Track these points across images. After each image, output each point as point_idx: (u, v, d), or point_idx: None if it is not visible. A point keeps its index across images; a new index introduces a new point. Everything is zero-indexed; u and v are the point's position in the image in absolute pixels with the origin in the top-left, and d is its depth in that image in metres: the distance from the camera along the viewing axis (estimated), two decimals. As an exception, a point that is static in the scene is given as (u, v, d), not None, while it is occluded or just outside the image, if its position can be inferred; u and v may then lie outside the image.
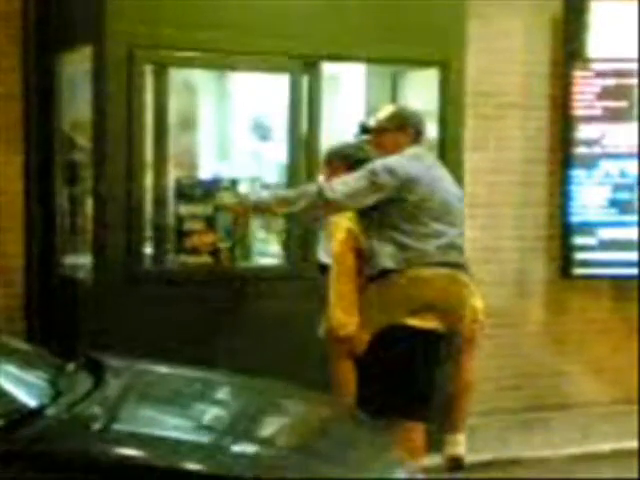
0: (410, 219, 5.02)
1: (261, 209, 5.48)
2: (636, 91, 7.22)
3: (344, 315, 5.03)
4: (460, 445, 5.48)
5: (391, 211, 5.04)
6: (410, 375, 4.98)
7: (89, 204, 6.08)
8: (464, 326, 5.18)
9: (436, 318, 5.01)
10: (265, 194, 5.88)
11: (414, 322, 4.99)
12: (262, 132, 6.84)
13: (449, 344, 5.18)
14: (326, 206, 5.08)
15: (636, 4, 7.15)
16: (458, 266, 5.07)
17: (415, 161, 5.15)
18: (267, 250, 6.29)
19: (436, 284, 5.01)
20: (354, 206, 5.06)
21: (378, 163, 5.10)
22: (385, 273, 5.00)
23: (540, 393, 7.25)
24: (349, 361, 5.09)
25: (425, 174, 5.11)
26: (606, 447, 6.53)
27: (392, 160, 5.12)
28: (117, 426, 3.78)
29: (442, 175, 5.22)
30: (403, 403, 4.91)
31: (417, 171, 5.09)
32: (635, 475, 6.01)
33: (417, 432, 5.00)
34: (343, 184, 5.05)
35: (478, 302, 5.34)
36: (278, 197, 5.37)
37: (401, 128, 5.24)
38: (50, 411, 3.63)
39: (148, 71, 5.86)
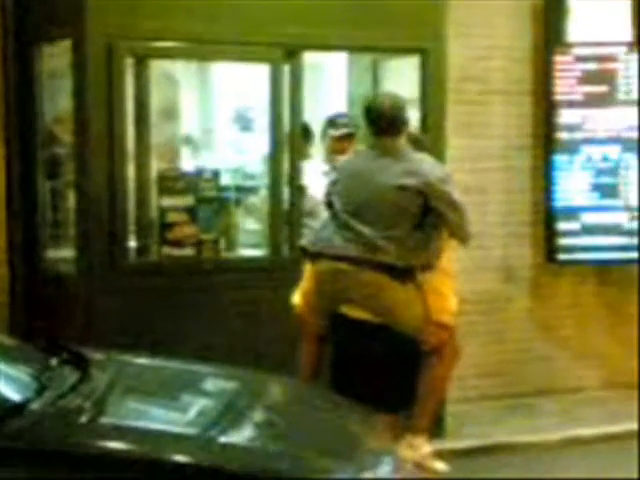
0: (335, 211, 5.19)
1: None
2: (616, 75, 7.22)
3: (297, 296, 5.33)
4: (416, 449, 5.28)
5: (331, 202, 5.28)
6: (347, 362, 5.18)
7: (71, 198, 6.07)
8: (406, 326, 5.12)
9: (368, 310, 5.10)
10: None
11: (350, 312, 5.14)
12: (244, 123, 6.84)
13: (394, 339, 5.12)
14: None
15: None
16: (364, 262, 5.06)
17: (354, 157, 5.41)
18: (254, 240, 6.29)
19: (333, 278, 5.13)
20: None
21: None
22: (310, 256, 5.26)
23: (526, 378, 7.24)
24: (311, 343, 5.32)
25: (354, 170, 5.23)
26: (592, 431, 6.53)
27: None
28: (103, 419, 3.77)
29: (378, 171, 5.14)
30: (352, 390, 4.84)
31: (346, 166, 5.34)
32: (623, 457, 6.04)
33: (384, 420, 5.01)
34: None
35: (435, 305, 5.19)
36: None
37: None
38: (34, 405, 3.62)
39: (129, 63, 5.85)
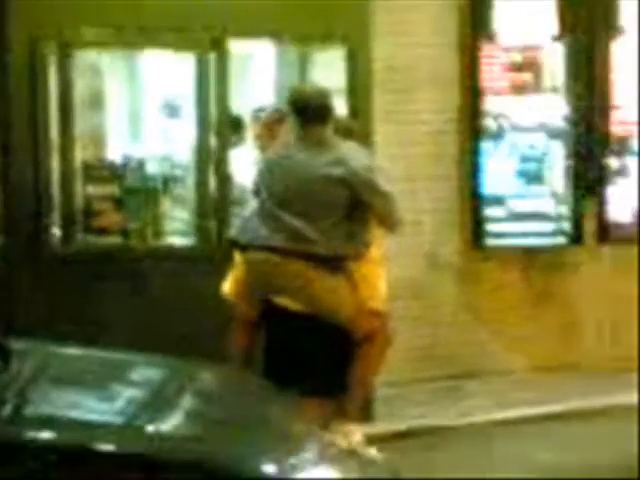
0: (263, 202, 5.18)
1: None
2: (542, 64, 7.31)
3: (228, 285, 5.32)
4: (347, 436, 5.22)
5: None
6: (279, 350, 5.23)
7: (-4, 188, 6.01)
8: (337, 315, 5.13)
9: (299, 300, 5.13)
10: None
11: (281, 302, 5.16)
12: (171, 111, 6.81)
13: (325, 328, 5.14)
14: None
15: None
16: (293, 253, 5.08)
17: (281, 148, 5.38)
18: (182, 229, 6.27)
19: (262, 268, 5.14)
20: None
21: None
22: (239, 247, 5.25)
23: (454, 362, 7.30)
24: (242, 330, 5.32)
25: (281, 161, 5.24)
26: (520, 413, 6.60)
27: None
28: (26, 409, 3.73)
29: (305, 161, 5.14)
30: (284, 377, 4.86)
31: (273, 157, 5.36)
32: (550, 439, 6.13)
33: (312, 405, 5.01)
34: None
35: (365, 293, 5.21)
36: None
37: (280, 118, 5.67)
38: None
39: (52, 52, 5.79)
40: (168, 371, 4.34)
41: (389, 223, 5.24)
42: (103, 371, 4.29)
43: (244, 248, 5.23)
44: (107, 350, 4.58)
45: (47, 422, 3.57)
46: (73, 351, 4.45)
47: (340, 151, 5.17)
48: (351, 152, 5.21)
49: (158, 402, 3.91)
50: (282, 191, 5.14)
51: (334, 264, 5.10)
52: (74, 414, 3.72)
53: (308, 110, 5.17)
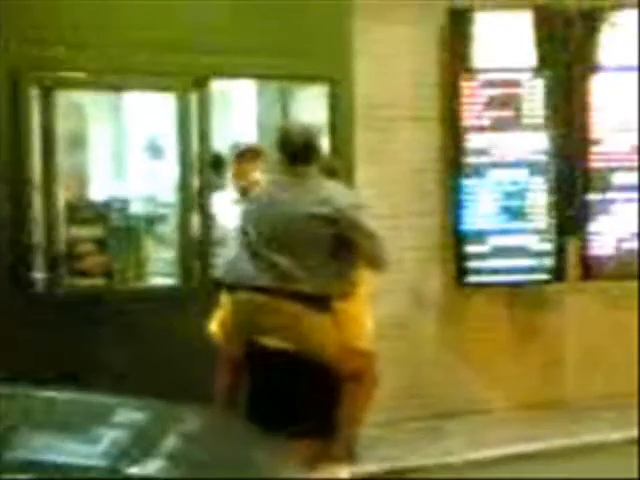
0: (249, 242, 5.16)
1: None
2: (522, 100, 7.35)
3: (214, 325, 5.32)
4: (333, 477, 5.28)
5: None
6: (264, 391, 5.17)
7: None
8: (323, 354, 5.11)
9: (285, 339, 5.11)
10: None
11: (267, 341, 5.13)
12: (155, 151, 6.83)
13: (311, 368, 5.11)
14: None
15: (516, 14, 7.30)
16: (280, 292, 5.07)
17: (268, 186, 5.43)
18: (165, 269, 6.27)
19: (249, 308, 5.13)
20: None
21: None
22: (226, 287, 5.24)
23: (436, 401, 7.27)
24: (228, 371, 5.29)
25: (268, 199, 5.24)
26: (504, 452, 6.57)
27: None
28: (8, 454, 3.70)
29: (291, 200, 5.14)
30: (269, 419, 4.83)
31: (260, 196, 5.36)
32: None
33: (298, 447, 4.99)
34: None
35: (352, 332, 5.23)
36: None
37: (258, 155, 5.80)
38: None
39: (35, 93, 5.81)
40: (152, 414, 4.32)
41: (376, 264, 5.24)
42: (86, 415, 4.26)
43: (230, 288, 5.22)
44: (90, 393, 4.55)
45: (29, 467, 3.55)
46: (57, 395, 4.43)
47: (326, 190, 5.18)
48: (337, 191, 5.23)
49: (141, 445, 3.89)
50: (269, 230, 5.14)
51: (321, 303, 5.10)
52: (57, 458, 3.70)
53: (293, 149, 5.18)
